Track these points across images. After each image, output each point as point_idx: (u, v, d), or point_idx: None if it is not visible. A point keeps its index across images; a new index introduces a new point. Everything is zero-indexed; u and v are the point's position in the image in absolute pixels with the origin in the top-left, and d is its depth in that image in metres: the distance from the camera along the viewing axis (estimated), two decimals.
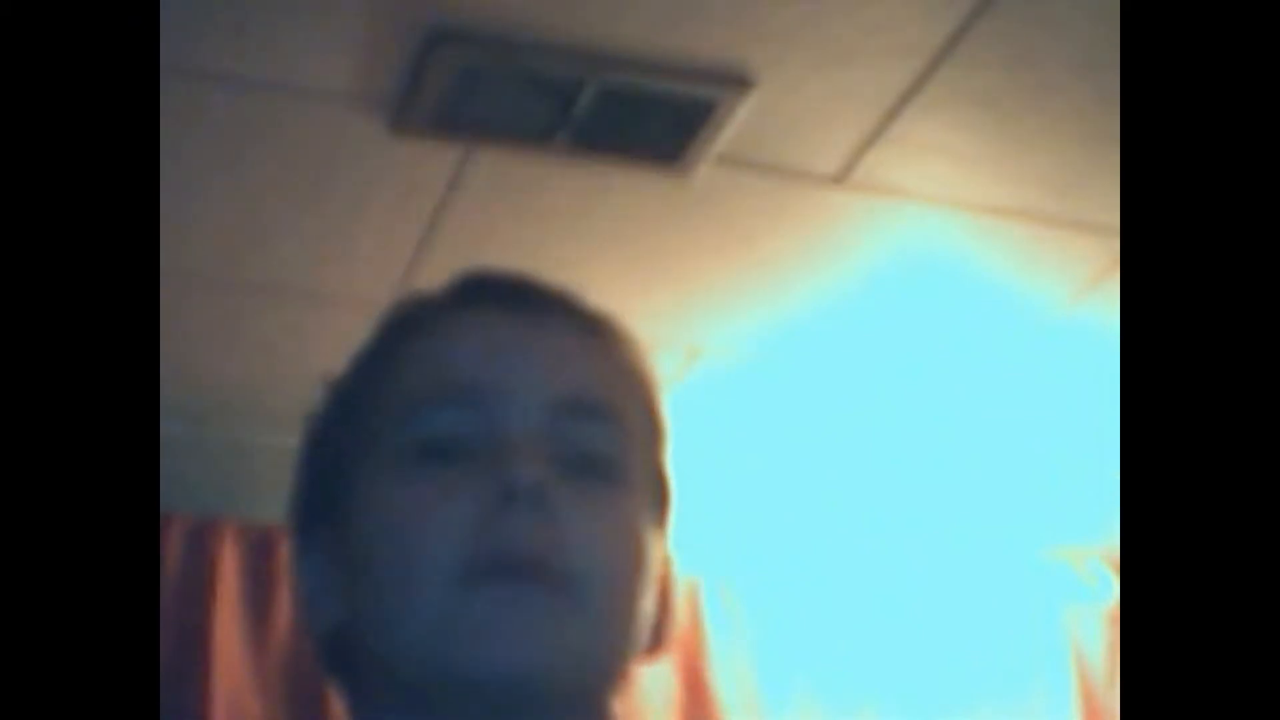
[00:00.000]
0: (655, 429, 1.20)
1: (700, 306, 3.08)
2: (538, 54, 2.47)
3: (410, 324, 1.20)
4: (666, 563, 1.17)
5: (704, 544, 3.79)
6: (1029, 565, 3.98)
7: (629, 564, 1.12)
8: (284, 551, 2.82)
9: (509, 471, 1.09)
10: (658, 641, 1.15)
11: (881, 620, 3.87)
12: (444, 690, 1.08)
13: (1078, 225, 2.90)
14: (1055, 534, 3.92)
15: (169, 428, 3.12)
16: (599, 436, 1.14)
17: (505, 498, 1.09)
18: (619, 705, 1.13)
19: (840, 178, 2.78)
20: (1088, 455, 3.53)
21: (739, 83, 2.55)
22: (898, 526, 3.82)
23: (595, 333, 1.19)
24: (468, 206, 2.80)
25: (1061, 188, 2.80)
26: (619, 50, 2.48)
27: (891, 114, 2.63)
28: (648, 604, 1.13)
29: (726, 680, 3.78)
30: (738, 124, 2.62)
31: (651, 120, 2.60)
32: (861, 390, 3.33)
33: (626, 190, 2.78)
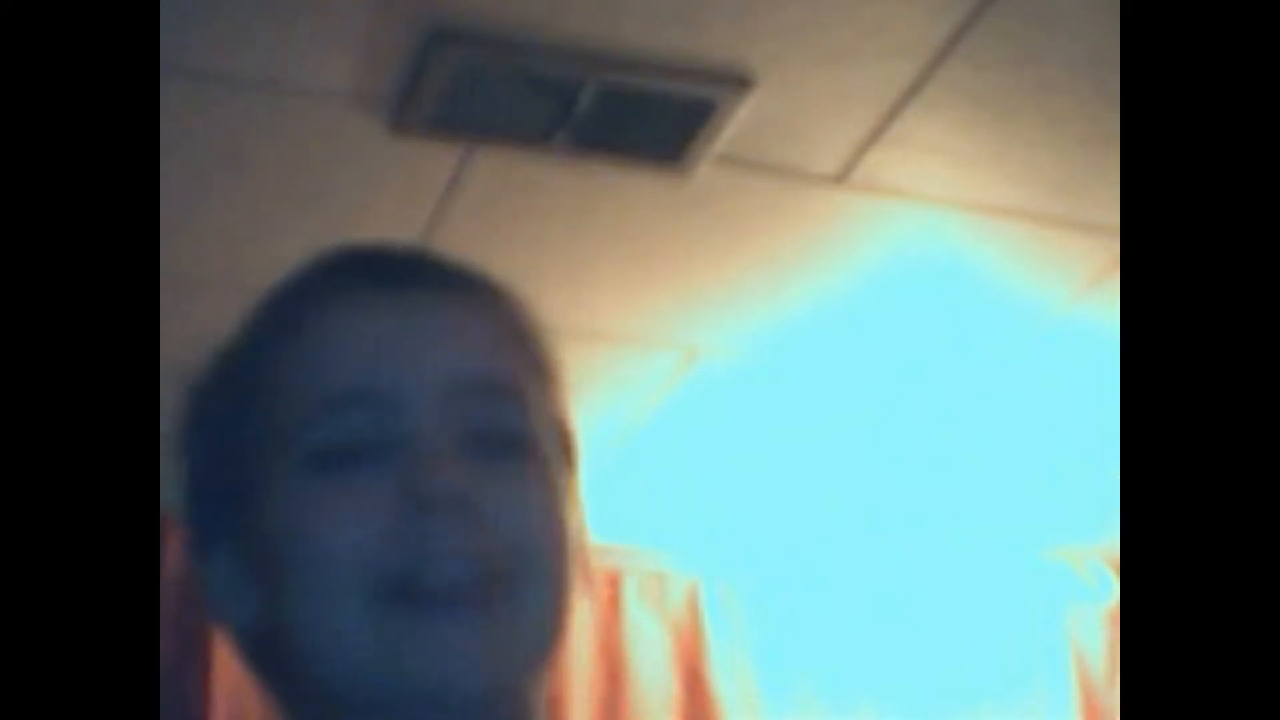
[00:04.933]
0: (550, 380, 1.15)
1: (700, 306, 3.08)
2: (538, 54, 2.47)
3: (289, 314, 1.13)
4: (579, 513, 1.12)
5: (704, 544, 3.80)
6: (1029, 565, 3.98)
7: (557, 543, 1.08)
8: None
9: (424, 479, 1.05)
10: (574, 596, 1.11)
11: (881, 620, 3.88)
12: (379, 701, 1.05)
13: (1078, 225, 2.90)
14: (1055, 534, 3.92)
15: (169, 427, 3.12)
16: (504, 414, 1.09)
17: (425, 508, 1.04)
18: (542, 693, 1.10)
19: (840, 178, 2.78)
20: (1088, 455, 3.53)
21: (739, 83, 2.55)
22: (898, 526, 3.82)
23: (473, 295, 1.13)
24: (468, 206, 2.80)
25: (1061, 188, 2.80)
26: (619, 50, 2.48)
27: (891, 114, 2.63)
28: (575, 574, 1.09)
29: (726, 680, 3.78)
30: (738, 124, 2.62)
31: (651, 120, 2.60)
32: (861, 390, 3.33)
33: (626, 190, 2.78)
